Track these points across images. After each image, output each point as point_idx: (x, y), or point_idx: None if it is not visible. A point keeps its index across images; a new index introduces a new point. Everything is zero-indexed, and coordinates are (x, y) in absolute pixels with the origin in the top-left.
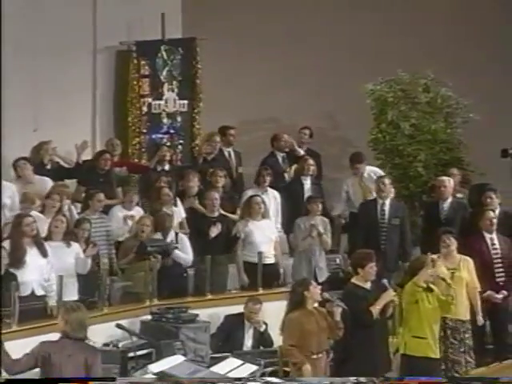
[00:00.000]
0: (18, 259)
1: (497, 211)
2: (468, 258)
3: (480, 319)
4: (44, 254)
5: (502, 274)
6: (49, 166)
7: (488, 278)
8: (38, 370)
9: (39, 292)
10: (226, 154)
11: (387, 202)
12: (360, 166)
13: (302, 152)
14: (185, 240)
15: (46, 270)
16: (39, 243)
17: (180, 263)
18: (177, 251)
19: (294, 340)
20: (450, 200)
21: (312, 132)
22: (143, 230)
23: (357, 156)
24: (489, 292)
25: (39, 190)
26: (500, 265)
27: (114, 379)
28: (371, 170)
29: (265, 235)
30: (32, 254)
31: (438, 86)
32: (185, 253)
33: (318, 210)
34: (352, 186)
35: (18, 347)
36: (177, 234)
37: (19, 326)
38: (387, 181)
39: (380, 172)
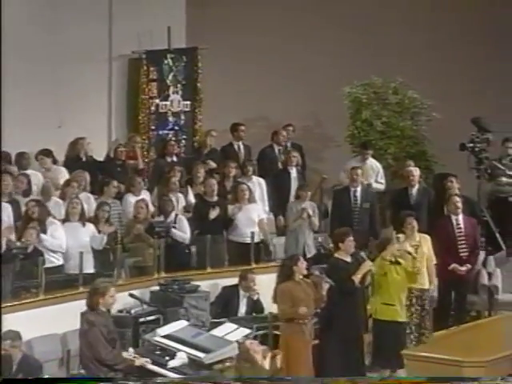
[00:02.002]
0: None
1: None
2: (426, 236)
3: (433, 287)
4: (43, 231)
5: (466, 250)
6: (84, 159)
7: (453, 253)
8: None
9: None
10: (236, 147)
11: (359, 189)
12: (370, 152)
13: (289, 146)
14: (183, 221)
15: (49, 245)
16: (41, 223)
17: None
18: (174, 230)
19: (286, 305)
20: (417, 187)
21: (295, 128)
22: (139, 212)
23: (367, 144)
24: (454, 265)
25: (54, 177)
26: (463, 242)
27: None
28: (373, 162)
29: (251, 218)
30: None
31: (405, 88)
32: (183, 232)
33: (307, 195)
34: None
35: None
36: (176, 215)
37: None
38: (360, 171)
39: (379, 165)
